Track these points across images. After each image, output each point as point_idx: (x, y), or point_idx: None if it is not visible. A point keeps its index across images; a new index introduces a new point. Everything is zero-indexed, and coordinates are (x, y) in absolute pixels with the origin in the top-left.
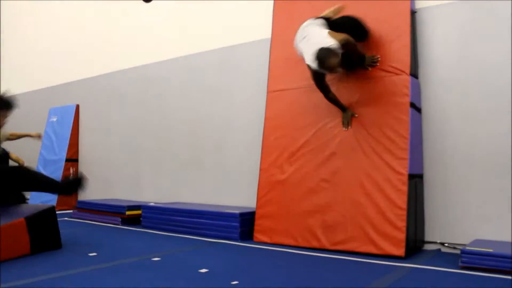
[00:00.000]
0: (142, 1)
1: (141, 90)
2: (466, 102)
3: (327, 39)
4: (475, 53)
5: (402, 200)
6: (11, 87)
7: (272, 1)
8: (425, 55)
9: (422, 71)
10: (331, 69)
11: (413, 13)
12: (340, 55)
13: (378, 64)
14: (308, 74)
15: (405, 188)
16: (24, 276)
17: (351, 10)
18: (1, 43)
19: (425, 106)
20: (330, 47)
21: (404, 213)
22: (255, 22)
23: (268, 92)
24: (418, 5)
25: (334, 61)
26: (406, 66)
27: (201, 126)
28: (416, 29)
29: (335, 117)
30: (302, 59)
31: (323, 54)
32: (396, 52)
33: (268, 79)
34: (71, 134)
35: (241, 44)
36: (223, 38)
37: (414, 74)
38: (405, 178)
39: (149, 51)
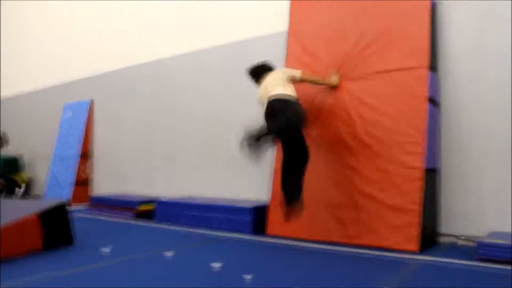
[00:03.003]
0: None
1: (154, 85)
2: (483, 94)
3: None
4: (493, 45)
5: (417, 195)
6: (26, 84)
7: None
8: (444, 47)
9: (441, 64)
10: None
11: (433, 5)
12: None
13: None
14: (326, 66)
15: (420, 183)
16: (36, 271)
17: (370, 3)
18: (16, 41)
19: (443, 99)
20: None
21: (419, 208)
22: (268, 17)
23: None
24: None
25: None
26: (425, 60)
27: (213, 120)
28: (435, 22)
29: (351, 111)
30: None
31: None
32: (415, 45)
33: None
34: (85, 130)
35: (254, 38)
36: (236, 33)
37: (433, 67)
38: (421, 173)
39: (162, 46)
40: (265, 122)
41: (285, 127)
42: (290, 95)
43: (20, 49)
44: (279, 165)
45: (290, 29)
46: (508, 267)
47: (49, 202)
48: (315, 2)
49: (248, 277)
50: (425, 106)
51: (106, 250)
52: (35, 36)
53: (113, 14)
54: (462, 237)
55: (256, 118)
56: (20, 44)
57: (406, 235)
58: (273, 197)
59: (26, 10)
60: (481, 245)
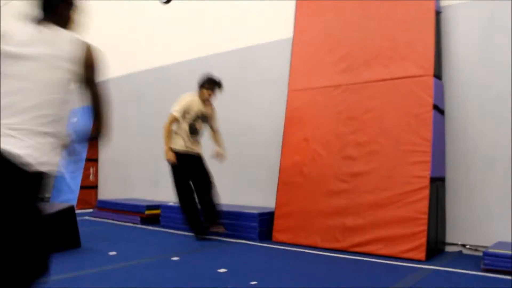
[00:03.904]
0: (160, 3)
1: (160, 91)
2: (488, 103)
3: None
4: (497, 53)
5: (423, 204)
6: None
7: (292, 2)
8: (449, 55)
9: (446, 72)
10: None
11: (438, 13)
12: None
13: None
14: (331, 73)
15: (426, 191)
16: None
17: (376, 10)
18: None
19: (448, 107)
20: None
21: (425, 217)
22: (274, 23)
23: (289, 91)
24: (442, 4)
25: None
26: (430, 68)
27: (220, 125)
28: (440, 29)
29: (356, 118)
30: None
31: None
32: (420, 53)
33: (289, 79)
34: None
35: (260, 44)
36: (242, 39)
37: (438, 75)
38: (427, 182)
39: (167, 52)
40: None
41: None
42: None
43: None
44: (285, 173)
45: (295, 34)
46: None
47: (56, 205)
48: (320, 8)
49: (253, 283)
50: (431, 114)
51: (113, 253)
52: None
53: (120, 20)
54: (468, 247)
55: (263, 124)
56: None
57: (413, 244)
58: (279, 204)
59: None
60: (487, 255)
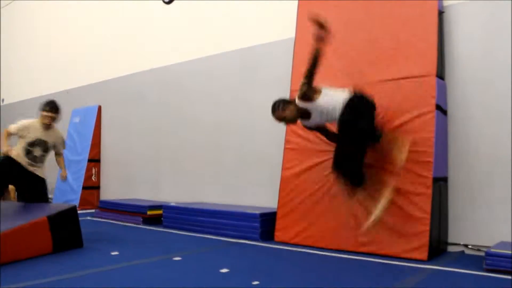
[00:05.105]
0: (163, 3)
1: (161, 91)
2: (491, 102)
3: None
4: (501, 52)
5: (425, 204)
6: (35, 89)
7: (294, 1)
8: (452, 55)
9: (449, 72)
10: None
11: (440, 13)
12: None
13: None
14: (333, 73)
15: (429, 192)
16: (46, 274)
17: (378, 10)
18: (25, 47)
19: (450, 107)
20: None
21: (428, 217)
22: (275, 23)
23: (291, 91)
24: (445, 3)
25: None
26: (432, 68)
27: (221, 126)
28: (443, 29)
29: None
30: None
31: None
32: (422, 53)
33: (291, 79)
34: (93, 135)
35: (262, 44)
36: (243, 39)
37: (441, 75)
38: (429, 182)
39: (169, 52)
40: None
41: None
42: None
43: (28, 55)
44: (287, 173)
45: (297, 34)
46: None
47: (58, 206)
48: (322, 8)
49: (255, 283)
50: (434, 114)
51: (115, 253)
52: (44, 41)
53: (121, 20)
54: (470, 247)
55: (265, 124)
56: (28, 49)
57: (415, 244)
58: (281, 204)
59: (34, 15)
60: (489, 255)
